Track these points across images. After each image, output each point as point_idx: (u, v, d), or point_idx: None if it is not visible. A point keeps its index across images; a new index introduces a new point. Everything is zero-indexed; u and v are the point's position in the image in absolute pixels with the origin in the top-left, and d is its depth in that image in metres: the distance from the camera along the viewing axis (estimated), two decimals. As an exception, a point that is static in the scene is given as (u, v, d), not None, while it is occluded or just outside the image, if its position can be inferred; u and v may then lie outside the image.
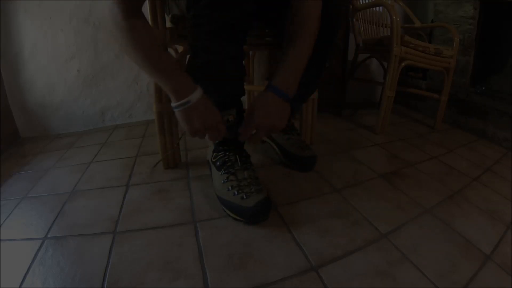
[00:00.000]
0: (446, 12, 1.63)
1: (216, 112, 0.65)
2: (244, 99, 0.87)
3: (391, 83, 1.29)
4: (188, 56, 0.75)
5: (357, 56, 1.62)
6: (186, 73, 0.62)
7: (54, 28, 1.30)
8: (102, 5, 0.56)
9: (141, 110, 1.53)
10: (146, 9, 0.76)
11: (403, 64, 1.27)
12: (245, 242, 0.65)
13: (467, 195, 0.88)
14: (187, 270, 0.57)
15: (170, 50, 0.91)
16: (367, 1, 1.55)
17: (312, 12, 0.71)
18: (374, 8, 1.59)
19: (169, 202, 0.79)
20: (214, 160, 0.79)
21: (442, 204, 0.83)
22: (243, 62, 0.77)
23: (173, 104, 0.62)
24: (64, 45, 1.33)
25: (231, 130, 0.77)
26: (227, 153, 0.77)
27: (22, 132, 1.38)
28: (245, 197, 0.69)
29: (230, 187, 0.72)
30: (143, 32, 0.57)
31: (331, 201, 0.81)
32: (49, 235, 0.68)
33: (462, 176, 1.00)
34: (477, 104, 1.48)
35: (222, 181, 0.74)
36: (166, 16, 0.83)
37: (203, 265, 0.59)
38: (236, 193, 0.70)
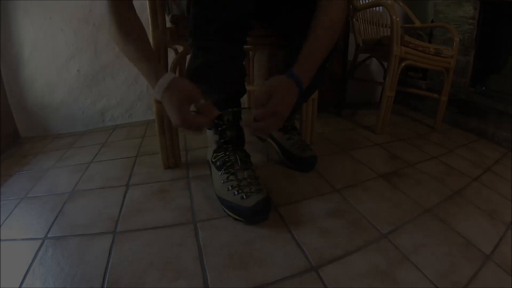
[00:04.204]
0: (446, 12, 1.63)
1: (192, 91, 0.58)
2: (244, 98, 0.87)
3: (391, 83, 1.29)
4: (188, 56, 0.75)
5: (357, 56, 1.62)
6: (156, 62, 0.61)
7: (54, 28, 1.30)
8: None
9: (141, 110, 1.53)
10: (146, 9, 0.76)
11: (403, 64, 1.27)
12: (245, 242, 0.65)
13: (467, 195, 0.88)
14: (187, 270, 0.57)
15: (170, 50, 0.91)
16: (367, 1, 1.55)
17: (335, 8, 0.68)
18: (374, 8, 1.59)
19: (169, 202, 0.79)
20: (214, 160, 0.79)
21: (442, 204, 0.83)
22: (243, 62, 0.77)
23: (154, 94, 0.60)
24: (64, 45, 1.33)
25: (231, 130, 0.77)
26: (227, 153, 0.77)
27: (22, 132, 1.38)
28: (245, 197, 0.69)
29: (230, 187, 0.72)
30: (128, 20, 0.59)
31: (331, 201, 0.81)
32: (49, 235, 0.68)
33: (462, 176, 1.00)
34: (477, 104, 1.48)
35: (222, 181, 0.74)
36: (166, 16, 0.83)
37: (203, 265, 0.59)
38: (236, 193, 0.70)
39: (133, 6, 0.61)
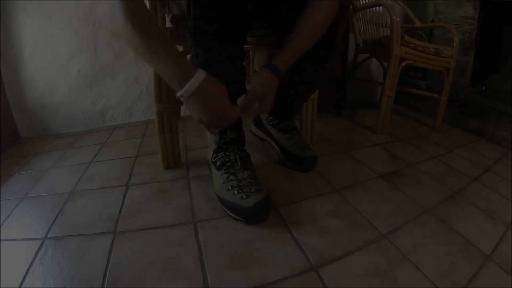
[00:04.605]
0: (446, 12, 1.63)
1: (223, 97, 0.60)
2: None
3: (391, 83, 1.29)
4: (188, 56, 0.75)
5: (357, 56, 1.62)
6: (184, 57, 0.60)
7: (54, 28, 1.30)
8: (102, 4, 0.54)
9: (141, 110, 1.53)
10: (146, 9, 0.76)
11: (403, 64, 1.27)
12: (245, 242, 0.65)
13: (467, 195, 0.88)
14: (187, 270, 0.57)
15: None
16: (367, 1, 1.55)
17: (325, 5, 0.72)
18: (374, 8, 1.59)
19: (169, 202, 0.79)
20: (214, 160, 0.79)
21: (442, 204, 0.83)
22: (243, 62, 0.77)
23: (176, 95, 0.60)
24: (64, 45, 1.33)
25: (231, 130, 0.77)
26: (227, 153, 0.77)
27: (22, 132, 1.38)
28: (245, 197, 0.69)
29: (230, 187, 0.72)
30: (140, 12, 0.54)
31: (331, 201, 0.81)
32: (49, 235, 0.68)
33: (462, 176, 1.00)
34: (477, 104, 1.48)
35: (222, 181, 0.74)
36: (166, 16, 0.83)
37: (203, 265, 0.59)
38: (236, 193, 0.70)
39: (143, 1, 0.57)
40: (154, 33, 0.56)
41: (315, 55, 0.82)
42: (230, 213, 0.71)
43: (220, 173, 0.76)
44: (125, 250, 0.62)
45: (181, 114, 1.53)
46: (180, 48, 0.89)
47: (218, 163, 0.77)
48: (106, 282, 0.54)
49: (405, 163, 1.07)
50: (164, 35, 0.58)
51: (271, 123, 1.02)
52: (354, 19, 1.57)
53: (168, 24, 0.82)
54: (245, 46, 0.74)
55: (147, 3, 0.75)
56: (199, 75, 0.58)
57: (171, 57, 0.57)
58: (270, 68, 0.71)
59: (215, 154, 0.79)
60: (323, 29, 0.74)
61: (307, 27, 0.73)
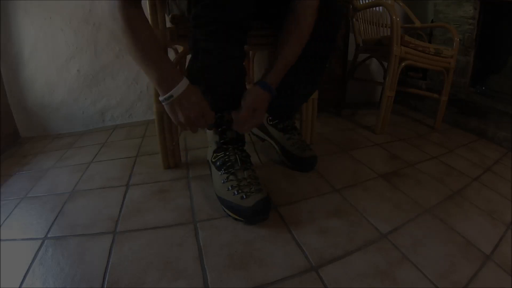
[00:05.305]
0: (446, 12, 1.63)
1: (202, 103, 0.66)
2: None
3: (391, 83, 1.29)
4: (188, 56, 0.75)
5: (357, 56, 1.62)
6: (173, 65, 0.65)
7: (54, 28, 1.30)
8: (102, 4, 0.59)
9: (141, 110, 1.53)
10: (146, 9, 0.76)
11: (403, 64, 1.27)
12: (245, 242, 0.65)
13: (467, 195, 0.88)
14: (187, 270, 0.57)
15: (170, 50, 0.91)
16: (367, 1, 1.55)
17: (307, 12, 0.73)
18: (374, 8, 1.59)
19: (169, 202, 0.79)
20: (214, 160, 0.79)
21: (442, 204, 0.83)
22: (243, 62, 0.77)
23: (160, 98, 0.64)
24: (64, 45, 1.33)
25: (232, 131, 0.77)
26: (227, 153, 0.77)
27: (22, 132, 1.38)
28: (244, 197, 0.69)
29: (230, 187, 0.72)
30: (137, 20, 0.60)
31: (331, 201, 0.81)
32: (49, 235, 0.68)
33: (462, 176, 1.00)
34: (477, 104, 1.48)
35: (222, 181, 0.74)
36: (166, 16, 0.83)
37: (203, 265, 0.59)
38: (236, 193, 0.70)
39: (142, 9, 0.62)
40: (149, 43, 0.61)
41: (315, 55, 0.82)
42: (230, 213, 0.71)
43: (220, 173, 0.76)
44: (125, 250, 0.62)
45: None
46: (180, 48, 0.89)
47: (218, 163, 0.77)
48: (106, 282, 0.54)
49: (405, 163, 1.07)
50: (158, 45, 0.64)
51: (271, 123, 1.02)
52: (354, 19, 1.56)
53: (168, 24, 0.82)
54: (245, 46, 0.74)
55: (147, 3, 0.76)
56: (186, 81, 0.63)
57: (163, 67, 0.62)
58: (261, 85, 0.75)
59: (215, 154, 0.79)
60: (308, 33, 0.76)
61: (295, 44, 0.75)
